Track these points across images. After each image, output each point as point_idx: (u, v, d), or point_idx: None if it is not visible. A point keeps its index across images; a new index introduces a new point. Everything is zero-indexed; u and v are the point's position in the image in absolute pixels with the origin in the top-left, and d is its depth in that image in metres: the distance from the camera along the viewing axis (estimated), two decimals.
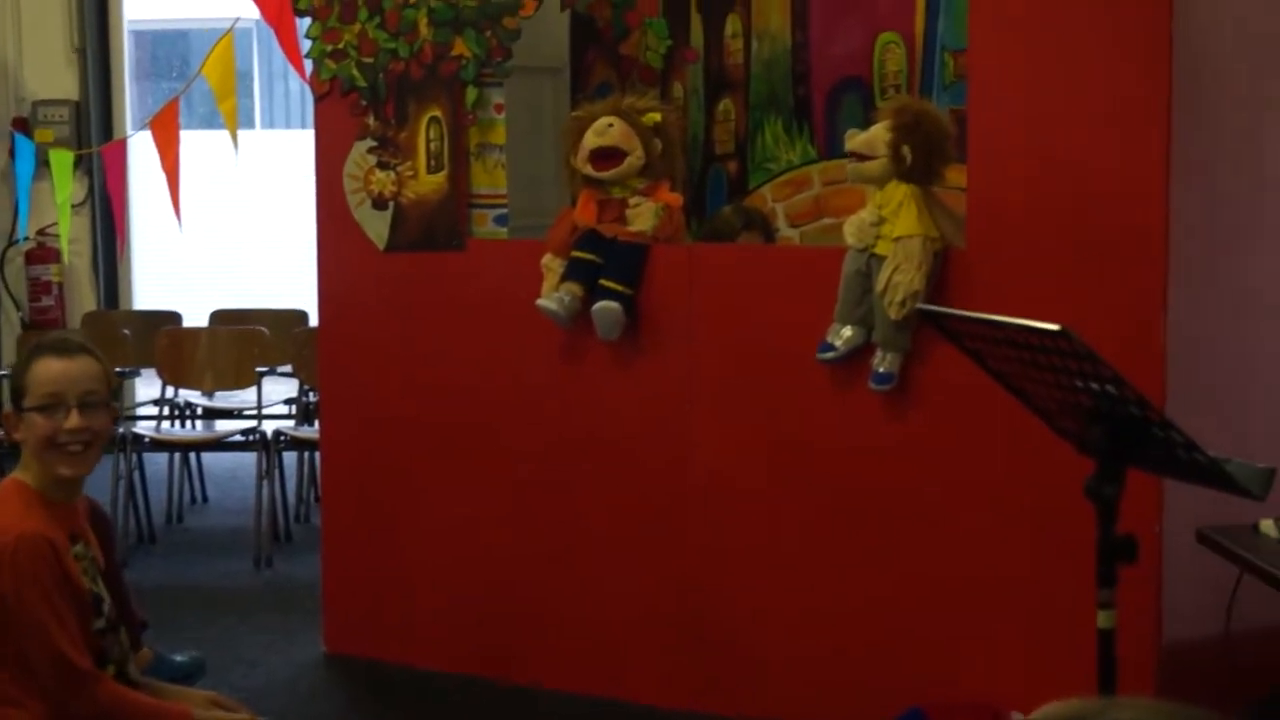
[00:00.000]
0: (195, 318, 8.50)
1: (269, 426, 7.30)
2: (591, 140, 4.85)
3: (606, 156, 4.85)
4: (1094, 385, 2.73)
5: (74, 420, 3.52)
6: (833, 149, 5.46)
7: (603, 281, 4.82)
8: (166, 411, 8.01)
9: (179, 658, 4.26)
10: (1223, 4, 4.31)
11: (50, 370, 3.56)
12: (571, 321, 4.88)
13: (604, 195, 4.91)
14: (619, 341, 4.88)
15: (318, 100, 5.50)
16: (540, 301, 4.89)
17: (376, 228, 5.38)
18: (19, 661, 3.43)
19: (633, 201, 4.87)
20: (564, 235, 4.94)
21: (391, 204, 5.35)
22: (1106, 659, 2.82)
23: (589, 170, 4.87)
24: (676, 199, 4.94)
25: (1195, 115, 4.12)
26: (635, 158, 4.86)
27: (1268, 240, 4.53)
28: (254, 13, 6.33)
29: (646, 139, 4.87)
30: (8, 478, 3.64)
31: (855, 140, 4.44)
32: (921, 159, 4.33)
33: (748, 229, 5.29)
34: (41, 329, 8.75)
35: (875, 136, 4.39)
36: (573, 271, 4.88)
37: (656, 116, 4.92)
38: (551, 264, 4.95)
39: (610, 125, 4.84)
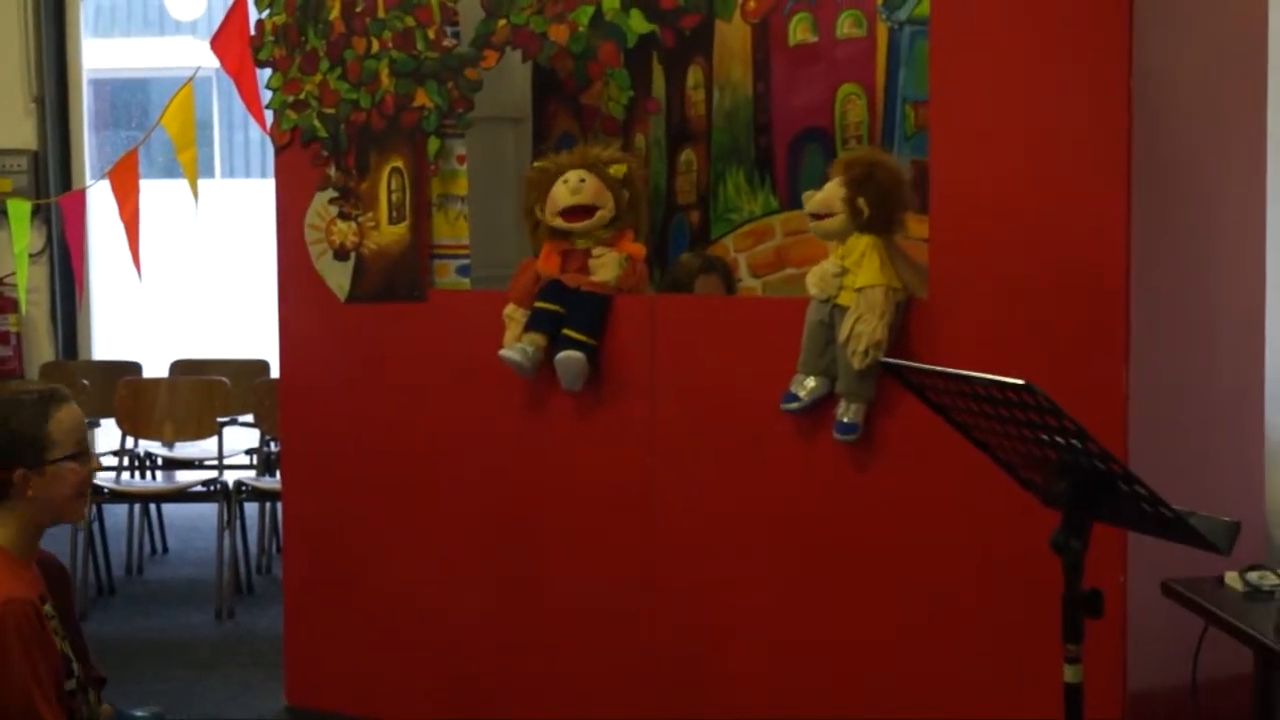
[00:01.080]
0: (155, 368, 8.46)
1: (230, 477, 7.26)
2: (566, 198, 4.85)
3: (578, 213, 4.86)
4: (1059, 439, 2.73)
5: (97, 465, 3.49)
6: (794, 199, 5.47)
7: (566, 331, 4.82)
8: (126, 462, 7.96)
9: (139, 713, 4.21)
10: (1180, 56, 4.35)
11: (75, 417, 3.55)
12: (535, 371, 4.87)
13: (568, 245, 4.91)
14: (581, 392, 4.88)
15: (279, 151, 5.50)
16: (503, 352, 4.88)
17: (338, 278, 5.37)
18: None
19: (596, 252, 4.88)
20: (527, 285, 4.94)
21: (353, 255, 5.34)
22: (1074, 714, 2.82)
23: (558, 223, 4.88)
24: (640, 249, 4.95)
25: (1156, 166, 4.15)
26: (606, 211, 4.88)
27: (1227, 291, 4.56)
28: (214, 62, 6.34)
29: (616, 192, 4.89)
30: None
31: (812, 201, 4.47)
32: (878, 210, 4.35)
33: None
34: None
35: (830, 194, 4.42)
36: (535, 322, 4.88)
37: (623, 168, 4.94)
38: (514, 314, 4.95)
39: (583, 181, 4.85)
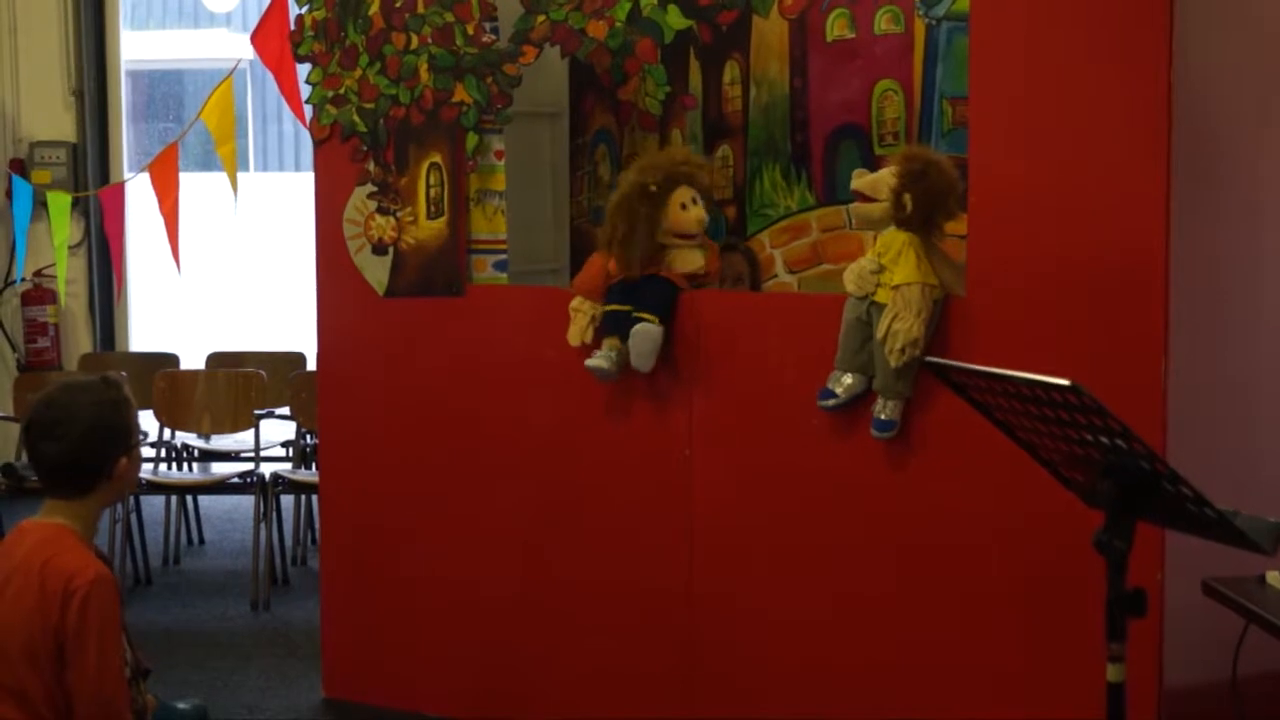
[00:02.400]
0: (192, 360, 8.50)
1: (266, 469, 7.29)
2: (692, 225, 4.82)
3: (693, 238, 4.87)
4: (1103, 439, 2.73)
5: None
6: (830, 195, 5.48)
7: (635, 314, 4.79)
8: (163, 454, 8.00)
9: (182, 705, 4.25)
10: (1222, 49, 4.34)
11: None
12: (620, 375, 4.87)
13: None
14: (618, 387, 4.88)
15: (318, 145, 5.52)
16: (589, 362, 4.84)
17: (376, 273, 5.39)
18: (48, 700, 3.46)
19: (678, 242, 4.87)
20: (594, 278, 4.92)
21: (391, 249, 5.36)
22: (1116, 712, 2.82)
23: (672, 241, 4.84)
24: (714, 245, 4.97)
25: (1196, 162, 4.14)
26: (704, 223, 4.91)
27: (1269, 288, 4.55)
28: (249, 55, 6.37)
29: (709, 198, 4.93)
30: (48, 523, 3.65)
31: (861, 180, 4.45)
32: (921, 210, 4.33)
33: (728, 250, 5.32)
34: (38, 370, 8.75)
35: (880, 180, 4.40)
36: (610, 326, 4.87)
37: (712, 176, 5.01)
38: (580, 306, 4.92)
39: (695, 202, 4.83)
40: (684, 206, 4.81)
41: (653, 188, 4.80)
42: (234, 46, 6.35)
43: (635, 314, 4.77)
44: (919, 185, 4.32)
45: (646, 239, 4.80)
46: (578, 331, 4.92)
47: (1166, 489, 2.72)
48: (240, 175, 6.78)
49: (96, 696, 3.46)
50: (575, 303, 4.93)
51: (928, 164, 4.38)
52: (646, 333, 4.75)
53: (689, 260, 4.83)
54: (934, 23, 5.28)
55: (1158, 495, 2.74)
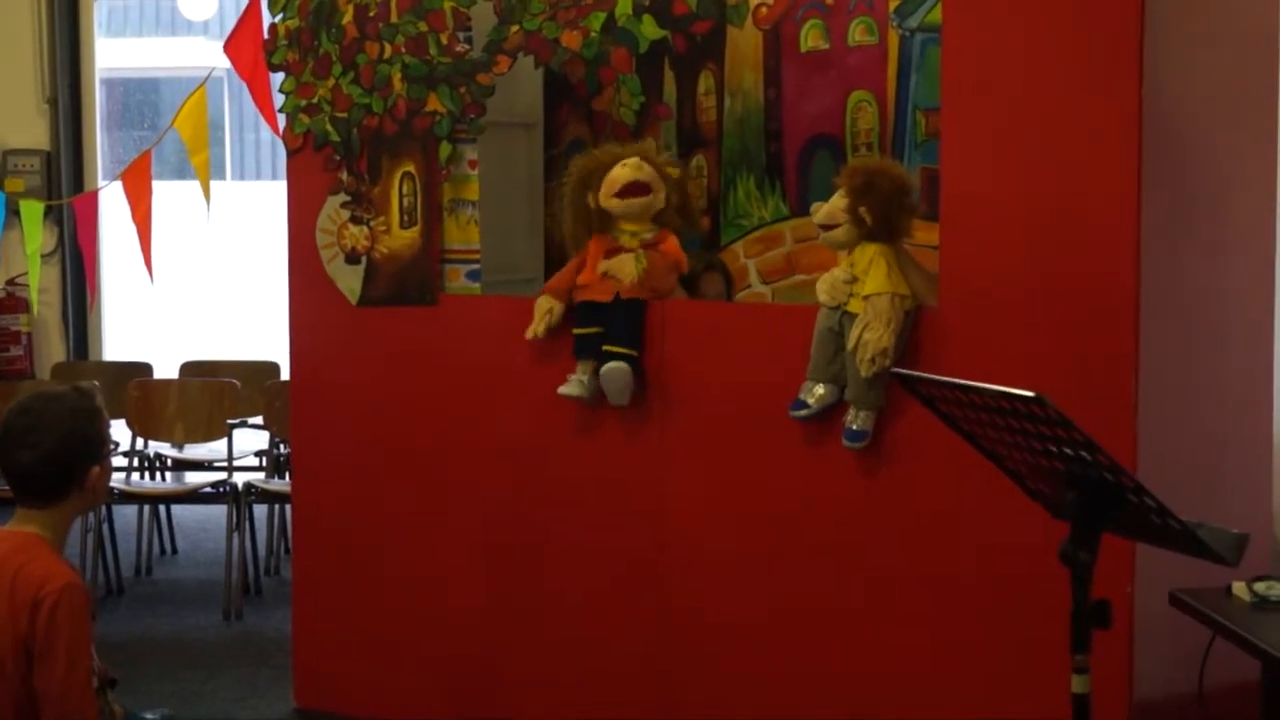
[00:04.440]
0: (166, 369, 8.47)
1: (239, 479, 7.27)
2: (625, 174, 4.84)
3: (636, 188, 4.86)
4: (1067, 450, 2.74)
5: None
6: (804, 206, 5.46)
7: (606, 348, 4.82)
8: (136, 463, 7.97)
9: (150, 715, 4.24)
10: (1193, 63, 4.36)
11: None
12: (595, 398, 4.87)
13: (613, 244, 4.89)
14: (589, 396, 4.88)
15: (291, 155, 5.51)
16: (562, 389, 4.86)
17: (349, 282, 5.38)
18: (17, 710, 3.45)
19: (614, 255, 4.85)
20: (565, 277, 4.95)
21: (364, 259, 5.35)
22: None
23: (613, 204, 4.86)
24: (680, 253, 4.95)
25: (1166, 174, 4.16)
26: (659, 196, 4.87)
27: (1237, 301, 4.57)
28: (226, 63, 6.35)
29: (669, 185, 4.89)
30: (19, 532, 3.65)
31: (818, 214, 4.51)
32: (881, 218, 4.37)
33: (708, 269, 5.33)
34: (11, 379, 8.71)
35: (834, 206, 4.46)
36: (580, 350, 4.88)
37: (676, 171, 4.95)
38: (543, 304, 4.93)
39: (639, 166, 4.85)
40: (625, 165, 4.84)
41: (595, 153, 4.97)
42: (211, 55, 6.33)
43: (606, 348, 4.79)
44: (870, 197, 4.37)
45: (583, 201, 4.89)
46: (532, 327, 4.93)
47: (1131, 500, 2.72)
48: (217, 184, 6.78)
49: (63, 704, 3.45)
50: (540, 300, 4.95)
51: (870, 174, 4.42)
52: (618, 372, 4.78)
53: (626, 272, 4.82)
54: (908, 34, 5.29)
55: (1122, 507, 2.75)
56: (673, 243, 4.93)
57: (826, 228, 4.48)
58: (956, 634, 4.37)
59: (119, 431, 7.71)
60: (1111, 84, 4.08)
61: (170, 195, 8.65)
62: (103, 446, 3.71)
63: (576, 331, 4.88)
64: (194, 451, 8.00)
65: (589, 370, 4.85)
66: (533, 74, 5.60)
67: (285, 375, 7.15)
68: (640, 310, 4.84)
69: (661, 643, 4.89)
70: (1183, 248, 4.32)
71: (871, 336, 4.27)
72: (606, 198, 4.86)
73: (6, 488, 3.70)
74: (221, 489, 7.23)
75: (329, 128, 5.37)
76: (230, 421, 7.39)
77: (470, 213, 5.29)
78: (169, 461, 8.23)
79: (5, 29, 9.33)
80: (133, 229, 6.82)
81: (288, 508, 6.90)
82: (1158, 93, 4.09)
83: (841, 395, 4.44)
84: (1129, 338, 4.07)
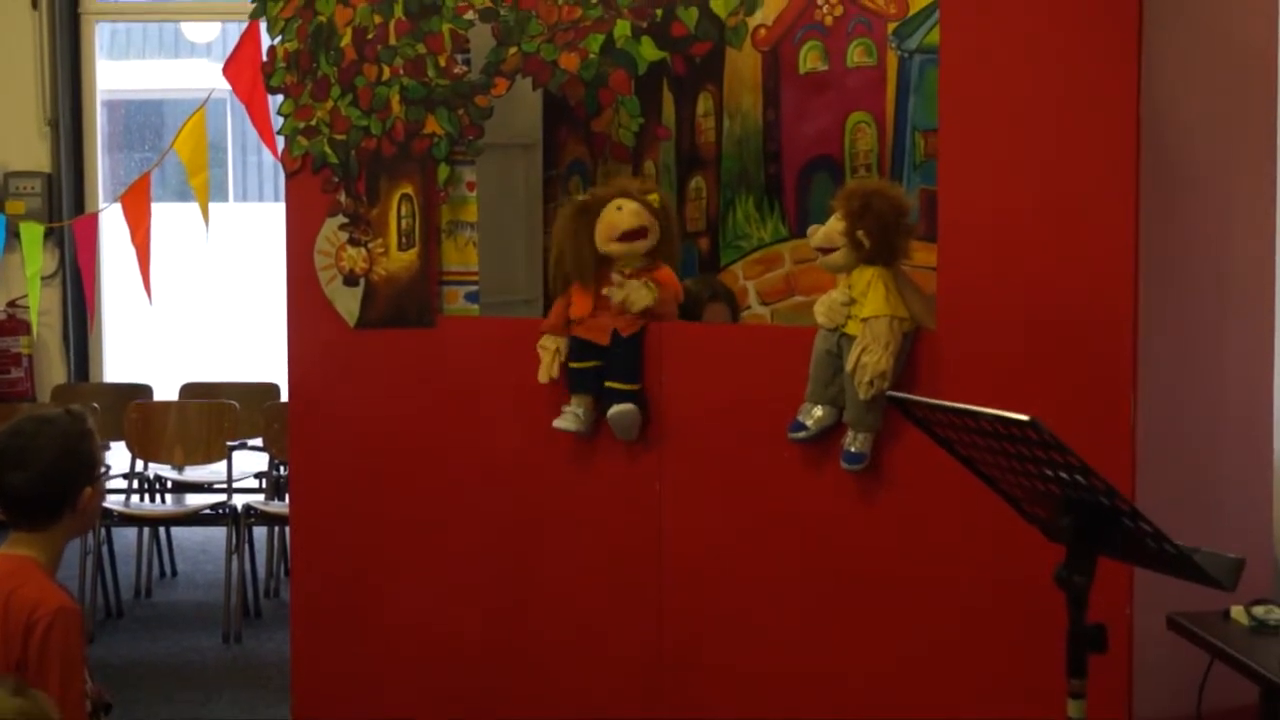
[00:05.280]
0: (166, 391, 8.47)
1: (239, 500, 7.26)
2: (625, 221, 4.79)
3: (635, 234, 4.82)
4: (1063, 474, 2.73)
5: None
6: (803, 227, 5.44)
7: (609, 384, 4.80)
8: (136, 485, 7.97)
9: None
10: (1189, 84, 4.35)
11: None
12: (592, 431, 4.86)
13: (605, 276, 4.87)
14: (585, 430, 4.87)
15: (289, 177, 5.51)
16: (557, 423, 4.83)
17: (347, 304, 5.38)
18: None
19: (615, 280, 4.80)
20: (557, 315, 4.91)
21: (362, 281, 5.35)
22: None
23: (614, 248, 4.82)
24: (674, 278, 4.92)
25: (1165, 197, 4.15)
26: (653, 235, 4.85)
27: (1236, 323, 4.56)
28: (227, 86, 6.36)
29: (657, 218, 4.86)
30: (12, 555, 3.66)
31: (815, 238, 4.48)
32: (878, 240, 4.34)
33: (713, 300, 5.31)
34: (11, 401, 8.72)
35: (830, 229, 4.43)
36: (576, 384, 4.85)
37: (657, 197, 4.92)
38: (547, 344, 4.90)
39: (638, 212, 4.81)
40: (619, 209, 4.81)
41: (583, 197, 4.88)
42: (214, 77, 6.34)
43: (609, 385, 4.78)
44: (866, 219, 4.34)
45: (585, 245, 4.81)
46: (545, 369, 4.90)
47: (1126, 525, 2.72)
48: (219, 205, 6.80)
49: None
50: (543, 340, 4.91)
51: (866, 196, 4.40)
52: (622, 415, 4.75)
53: (639, 298, 4.79)
54: (906, 55, 5.29)
55: (1118, 531, 2.74)
56: (667, 272, 4.92)
57: (824, 251, 4.46)
58: (955, 656, 4.36)
59: (119, 453, 7.73)
60: (1109, 105, 4.07)
61: (172, 217, 8.66)
62: (95, 468, 3.72)
63: (573, 365, 4.86)
64: (194, 473, 8.00)
65: (584, 404, 4.83)
66: (531, 95, 5.60)
67: (284, 397, 7.15)
68: (640, 343, 4.81)
69: (662, 664, 4.87)
70: (1182, 270, 4.31)
71: (870, 359, 4.26)
72: (606, 242, 4.84)
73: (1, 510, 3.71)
74: (221, 511, 7.24)
75: (327, 150, 5.36)
76: (230, 443, 7.40)
77: (469, 234, 5.29)
78: (169, 483, 8.23)
79: (7, 51, 9.35)
80: (133, 251, 6.83)
81: (287, 530, 6.90)
82: (1156, 114, 4.08)
83: (840, 417, 4.43)
84: (1127, 360, 4.06)
